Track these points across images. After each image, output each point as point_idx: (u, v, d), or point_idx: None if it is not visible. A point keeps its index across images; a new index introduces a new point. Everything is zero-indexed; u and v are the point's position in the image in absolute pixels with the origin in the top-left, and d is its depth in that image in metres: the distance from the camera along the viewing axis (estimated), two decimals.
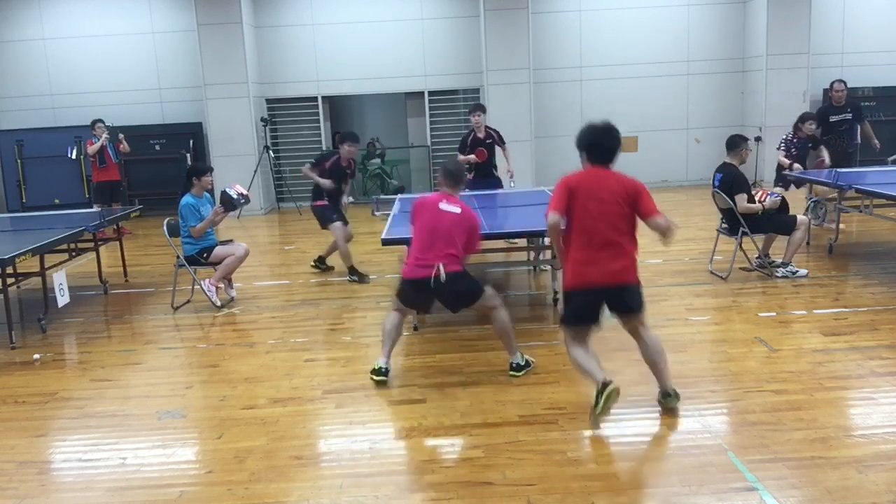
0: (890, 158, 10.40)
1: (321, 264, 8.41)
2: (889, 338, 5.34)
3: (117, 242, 8.46)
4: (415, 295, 4.98)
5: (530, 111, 12.92)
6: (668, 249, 8.50)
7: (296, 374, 5.19)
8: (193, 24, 12.74)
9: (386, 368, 4.93)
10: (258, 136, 13.08)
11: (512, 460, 3.80)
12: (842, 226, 9.03)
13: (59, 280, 6.45)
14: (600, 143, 4.22)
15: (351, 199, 8.93)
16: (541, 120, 13.39)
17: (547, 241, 6.92)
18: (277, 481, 3.72)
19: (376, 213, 8.16)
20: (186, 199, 6.93)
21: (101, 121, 11.15)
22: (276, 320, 6.60)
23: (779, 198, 7.09)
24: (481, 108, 8.95)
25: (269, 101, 13.71)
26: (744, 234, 7.01)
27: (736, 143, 7.08)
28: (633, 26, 13.61)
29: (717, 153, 8.03)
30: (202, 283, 7.02)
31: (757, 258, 7.31)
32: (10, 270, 6.23)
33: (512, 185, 9.28)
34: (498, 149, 9.10)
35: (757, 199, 7.03)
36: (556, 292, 6.56)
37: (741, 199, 6.88)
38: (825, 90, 13.15)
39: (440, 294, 4.89)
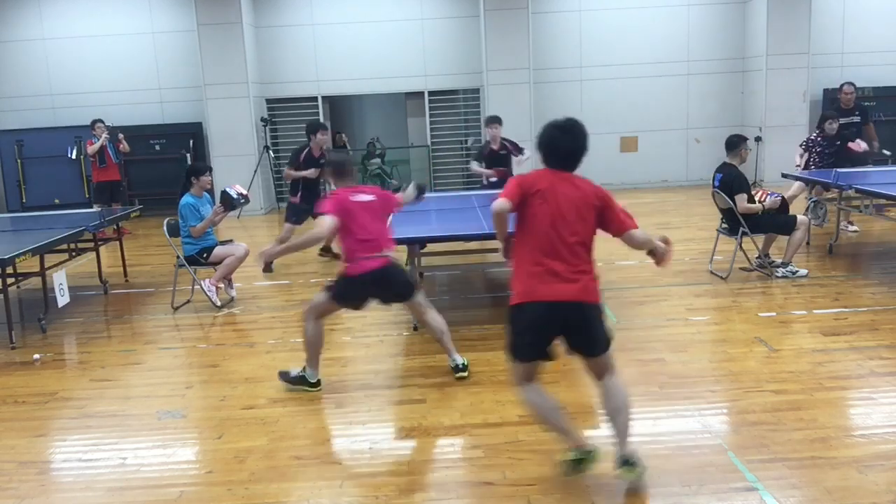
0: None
1: (327, 252, 8.61)
2: (889, 338, 5.34)
3: (117, 242, 8.46)
4: (361, 290, 4.74)
5: (530, 111, 12.91)
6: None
7: None
8: (193, 24, 12.74)
9: (319, 380, 4.83)
10: (258, 136, 13.08)
11: (512, 460, 3.80)
12: (854, 227, 9.02)
13: (59, 280, 6.45)
14: (557, 144, 3.60)
15: (396, 183, 9.00)
16: (541, 120, 13.20)
17: None
18: (277, 481, 3.72)
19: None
20: (186, 198, 6.93)
21: (101, 121, 11.15)
22: (276, 320, 6.60)
23: (779, 197, 7.09)
24: (497, 121, 8.93)
25: (269, 101, 13.71)
26: (744, 234, 7.01)
27: (735, 144, 7.08)
28: (633, 26, 13.61)
29: (717, 153, 8.03)
30: (202, 283, 7.02)
31: (757, 258, 7.30)
32: (10, 270, 6.23)
33: None
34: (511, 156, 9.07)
35: (757, 199, 7.03)
36: None
37: (741, 200, 6.88)
38: (825, 90, 13.24)
39: (385, 286, 4.76)
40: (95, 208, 9.71)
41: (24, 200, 13.25)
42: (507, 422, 4.25)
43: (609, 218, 3.52)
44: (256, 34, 13.39)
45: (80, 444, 4.28)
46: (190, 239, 6.94)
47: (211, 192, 7.42)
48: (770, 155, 12.91)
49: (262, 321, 6.60)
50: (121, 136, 11.30)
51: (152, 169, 13.21)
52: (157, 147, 13.35)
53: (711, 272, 7.35)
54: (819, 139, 9.10)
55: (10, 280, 6.37)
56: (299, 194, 8.38)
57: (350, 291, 4.73)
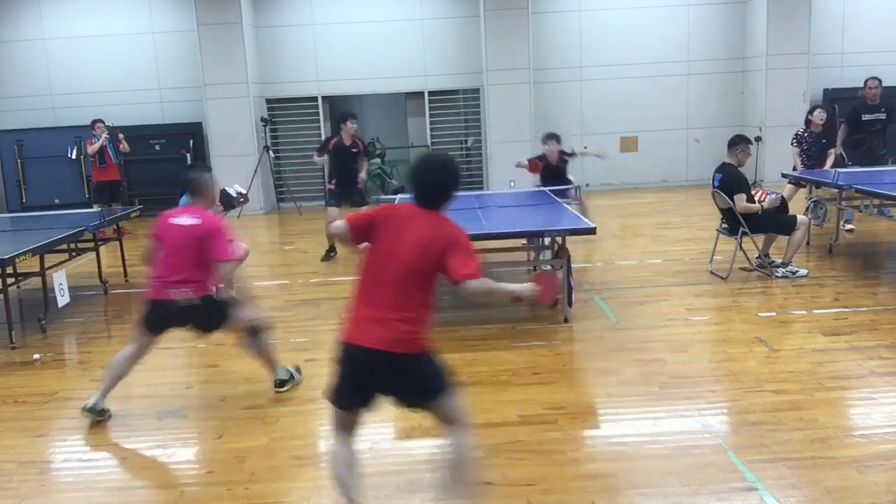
0: None
1: (332, 251, 8.81)
2: (889, 338, 5.34)
3: (117, 242, 8.45)
4: (159, 318, 4.49)
5: (530, 111, 12.91)
6: (668, 249, 8.56)
7: None
8: (193, 24, 12.74)
9: (103, 409, 4.49)
10: (258, 136, 13.08)
11: (512, 460, 3.80)
12: (850, 226, 9.02)
13: (59, 280, 6.45)
14: (411, 178, 3.21)
15: (364, 177, 9.23)
16: (541, 120, 13.37)
17: (547, 240, 6.94)
18: (277, 481, 3.72)
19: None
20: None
21: (101, 121, 11.15)
22: (276, 320, 6.59)
23: (778, 196, 7.09)
24: (555, 138, 9.12)
25: (269, 101, 13.71)
26: (744, 234, 7.01)
27: (735, 143, 7.08)
28: (633, 26, 13.61)
29: (717, 153, 8.04)
30: None
31: (757, 258, 7.30)
32: (10, 270, 6.22)
33: (511, 185, 9.30)
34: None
35: (757, 199, 7.03)
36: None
37: (739, 199, 6.88)
38: (825, 90, 13.25)
39: (180, 321, 4.50)
40: (95, 208, 9.70)
41: (24, 200, 13.24)
42: (507, 422, 4.25)
43: (449, 261, 3.03)
44: (256, 34, 13.38)
45: (80, 444, 4.28)
46: None
47: None
48: (770, 155, 12.90)
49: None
50: (121, 136, 11.30)
51: (152, 169, 13.20)
52: (157, 147, 13.34)
53: (711, 272, 7.35)
54: (805, 135, 9.09)
55: (10, 280, 6.37)
56: (334, 181, 8.74)
57: (145, 315, 4.52)
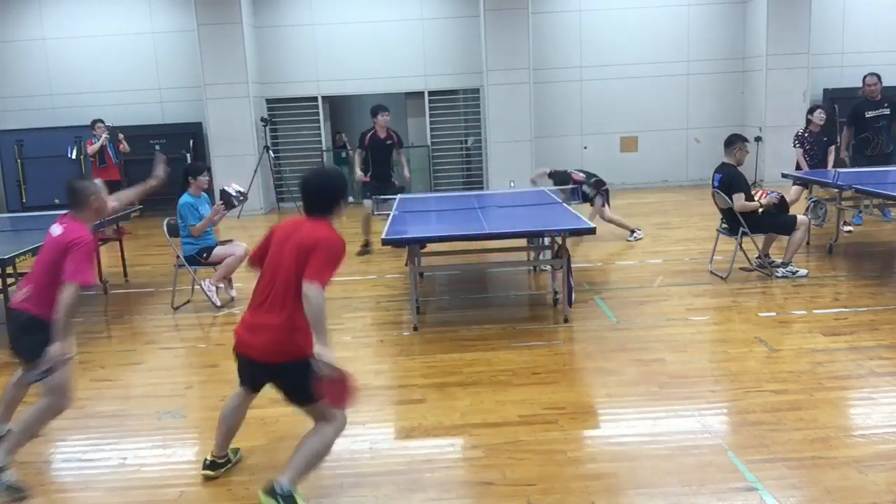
0: None
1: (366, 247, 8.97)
2: (889, 338, 5.34)
3: (117, 242, 8.46)
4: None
5: (530, 111, 12.91)
6: (668, 249, 8.56)
7: None
8: (193, 24, 12.74)
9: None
10: (258, 136, 13.08)
11: (512, 460, 3.80)
12: (849, 227, 9.02)
13: None
14: (301, 190, 3.51)
15: (407, 174, 9.46)
16: (541, 120, 13.39)
17: (546, 241, 6.94)
18: None
19: (376, 213, 8.19)
20: (184, 198, 6.92)
21: (101, 121, 11.15)
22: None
23: (777, 195, 7.08)
24: (555, 177, 9.11)
25: (269, 101, 13.71)
26: (744, 234, 7.01)
27: (732, 142, 7.08)
28: (633, 26, 13.61)
29: (717, 153, 8.02)
30: (202, 283, 7.02)
31: (757, 258, 7.30)
32: (10, 270, 6.22)
33: (511, 185, 9.29)
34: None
35: (756, 198, 7.02)
36: (555, 292, 6.56)
37: (738, 198, 6.87)
38: (825, 90, 13.25)
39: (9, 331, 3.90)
40: None
41: (24, 200, 13.24)
42: (507, 422, 4.25)
43: (307, 264, 3.22)
44: (256, 34, 13.38)
45: (80, 444, 4.28)
46: (189, 239, 6.93)
47: (209, 192, 7.40)
48: (770, 155, 12.91)
49: None
50: (121, 136, 11.31)
51: (152, 169, 13.16)
52: (157, 147, 13.31)
53: (711, 272, 7.35)
54: (806, 135, 9.10)
55: (10, 280, 6.37)
56: (370, 174, 8.93)
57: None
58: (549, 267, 7.09)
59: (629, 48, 13.62)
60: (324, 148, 14.01)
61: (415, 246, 6.47)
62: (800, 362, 4.96)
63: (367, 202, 8.69)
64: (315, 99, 13.79)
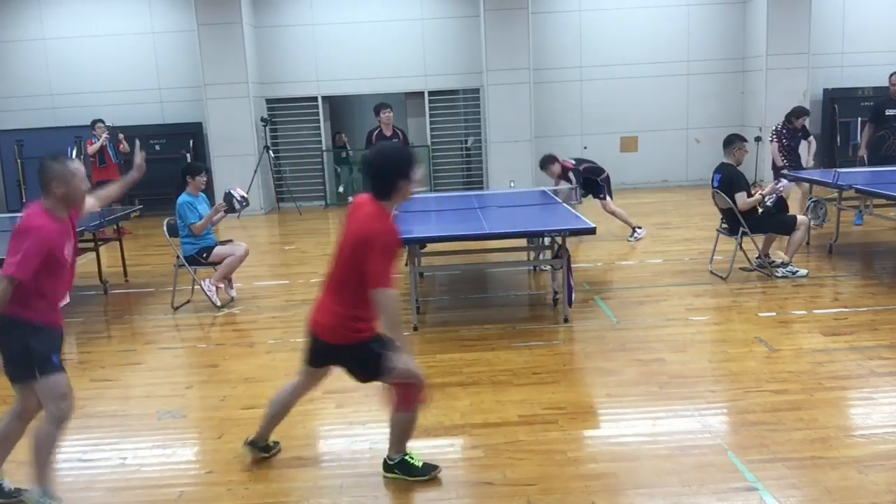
0: None
1: None
2: (889, 338, 5.34)
3: (117, 242, 8.46)
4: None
5: (530, 111, 12.91)
6: (668, 249, 8.56)
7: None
8: (193, 24, 12.74)
9: None
10: (258, 136, 13.08)
11: (512, 460, 3.80)
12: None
13: None
14: (365, 164, 3.47)
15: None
16: (541, 120, 13.39)
17: (547, 241, 6.94)
18: (277, 481, 3.72)
19: None
20: (183, 197, 6.93)
21: (101, 121, 11.16)
22: (276, 320, 6.60)
23: (779, 184, 7.09)
24: (550, 159, 8.91)
25: (269, 101, 13.71)
26: (744, 234, 7.01)
27: (730, 142, 7.08)
28: (633, 26, 13.61)
29: (716, 153, 8.02)
30: (202, 283, 7.02)
31: (757, 258, 7.30)
32: None
33: (511, 185, 9.28)
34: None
35: (757, 194, 7.02)
36: (555, 292, 6.56)
37: (741, 197, 6.87)
38: (825, 90, 13.26)
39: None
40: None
41: (24, 200, 13.22)
42: (507, 422, 4.25)
43: (365, 265, 3.22)
44: (256, 34, 13.38)
45: (80, 444, 4.28)
46: (189, 239, 6.93)
47: (208, 192, 7.40)
48: (770, 155, 12.87)
49: (262, 321, 6.60)
50: (121, 136, 11.31)
51: (152, 169, 12.95)
52: (157, 147, 13.33)
53: (711, 272, 7.35)
54: (784, 131, 9.12)
55: None
56: None
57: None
58: (549, 267, 7.09)
59: (629, 48, 13.62)
60: (324, 148, 14.01)
61: (415, 246, 6.47)
62: (800, 362, 4.96)
63: None
64: (315, 99, 13.79)
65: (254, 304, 7.10)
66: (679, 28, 13.67)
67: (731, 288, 6.86)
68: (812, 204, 8.36)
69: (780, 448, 3.78)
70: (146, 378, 5.40)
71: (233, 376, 5.24)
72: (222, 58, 12.65)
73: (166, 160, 13.06)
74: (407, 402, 3.46)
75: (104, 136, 10.95)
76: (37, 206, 3.42)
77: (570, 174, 8.81)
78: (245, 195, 7.19)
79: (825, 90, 13.29)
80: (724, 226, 7.38)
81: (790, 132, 9.13)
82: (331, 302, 3.41)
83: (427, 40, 13.63)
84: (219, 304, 6.95)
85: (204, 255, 6.96)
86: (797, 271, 7.07)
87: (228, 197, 6.98)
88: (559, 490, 3.49)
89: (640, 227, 9.16)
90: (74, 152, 12.96)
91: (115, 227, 8.48)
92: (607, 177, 9.12)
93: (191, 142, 13.32)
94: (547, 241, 6.93)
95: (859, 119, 12.82)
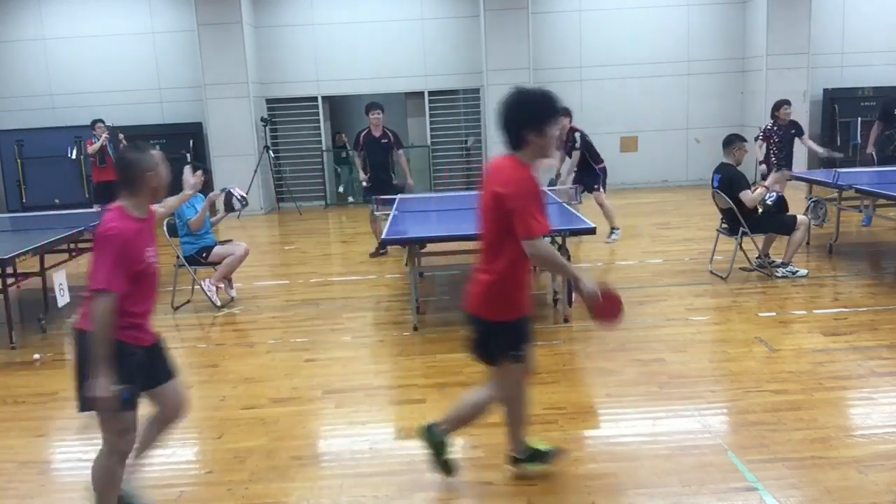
0: None
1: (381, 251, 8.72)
2: (889, 338, 5.34)
3: None
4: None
5: None
6: (668, 249, 8.56)
7: (296, 374, 5.19)
8: (193, 24, 12.74)
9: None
10: (258, 136, 13.08)
11: None
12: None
13: (59, 280, 6.45)
14: (499, 114, 3.12)
15: (410, 181, 9.09)
16: None
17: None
18: (277, 481, 3.72)
19: (376, 213, 8.18)
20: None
21: (101, 121, 11.16)
22: (276, 320, 6.60)
23: (779, 173, 7.10)
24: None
25: (269, 101, 13.71)
26: (744, 234, 7.01)
27: (730, 142, 7.07)
28: (633, 26, 13.61)
29: (717, 153, 8.02)
30: (202, 283, 7.02)
31: (757, 258, 7.30)
32: (10, 270, 6.23)
33: None
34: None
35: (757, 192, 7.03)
36: (555, 292, 6.56)
37: (745, 195, 6.86)
38: (825, 90, 13.26)
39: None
40: (95, 208, 9.71)
41: (24, 200, 13.24)
42: None
43: (512, 219, 3.01)
44: (256, 34, 13.39)
45: (80, 444, 4.27)
46: (189, 238, 6.93)
47: (206, 193, 7.37)
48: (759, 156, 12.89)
49: (262, 321, 6.60)
50: (121, 136, 11.31)
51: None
52: (157, 147, 13.23)
53: (711, 272, 7.35)
54: (775, 128, 9.12)
55: (10, 280, 6.37)
56: (370, 175, 8.72)
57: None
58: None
59: (629, 48, 13.62)
60: (324, 148, 14.01)
61: (415, 246, 6.47)
62: (800, 362, 4.96)
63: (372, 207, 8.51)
64: (315, 99, 13.79)
65: (254, 304, 7.10)
66: (679, 28, 13.67)
67: (731, 288, 6.86)
68: (812, 204, 8.36)
69: (780, 448, 3.78)
70: None
71: (233, 376, 5.24)
72: (222, 58, 12.65)
73: (166, 160, 13.05)
74: (608, 318, 3.28)
75: (104, 136, 10.95)
76: (114, 209, 3.16)
77: (577, 135, 8.89)
78: (244, 195, 7.19)
79: (825, 90, 13.29)
80: (724, 226, 7.38)
81: (781, 128, 9.13)
82: (482, 273, 3.23)
83: (427, 40, 13.63)
84: (219, 304, 6.95)
85: (203, 255, 6.96)
86: (797, 271, 7.07)
87: (228, 196, 6.98)
88: (559, 490, 3.49)
89: (618, 228, 9.13)
90: (74, 152, 13.02)
91: None
92: (604, 168, 9.14)
93: (191, 142, 13.32)
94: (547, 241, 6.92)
95: (859, 119, 12.85)
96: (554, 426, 4.16)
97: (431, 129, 13.93)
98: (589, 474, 3.64)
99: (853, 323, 5.71)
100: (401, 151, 9.00)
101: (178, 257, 6.99)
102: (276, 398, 4.78)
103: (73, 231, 6.91)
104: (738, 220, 6.97)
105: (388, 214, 7.26)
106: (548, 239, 3.70)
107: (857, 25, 13.57)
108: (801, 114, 12.96)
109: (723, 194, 7.01)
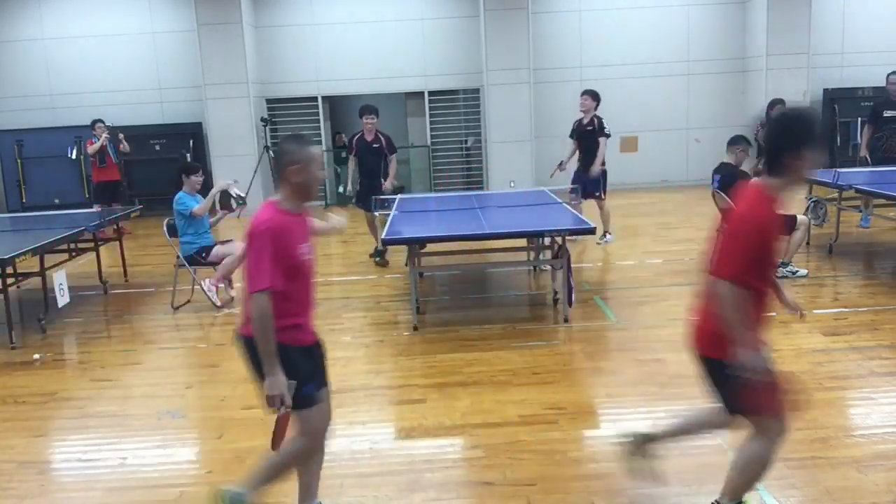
0: None
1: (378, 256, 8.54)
2: (889, 338, 5.34)
3: (117, 242, 8.45)
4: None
5: (530, 111, 12.91)
6: (668, 249, 8.56)
7: None
8: (193, 24, 12.74)
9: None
10: (258, 136, 13.07)
11: (512, 460, 3.80)
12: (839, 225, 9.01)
13: (59, 280, 6.45)
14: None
15: (395, 183, 8.80)
16: (541, 120, 13.38)
17: (547, 241, 6.93)
18: (277, 481, 3.71)
19: (376, 213, 8.18)
20: (181, 194, 6.95)
21: (101, 121, 11.15)
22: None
23: None
24: (591, 94, 9.10)
25: (269, 101, 13.71)
26: None
27: (736, 142, 7.07)
28: (633, 26, 13.61)
29: (717, 153, 8.05)
30: (202, 282, 7.02)
31: None
32: (10, 270, 6.22)
33: (512, 185, 9.27)
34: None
35: None
36: (555, 292, 6.56)
37: None
38: (825, 90, 13.25)
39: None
40: (95, 208, 9.71)
41: (24, 200, 13.24)
42: (507, 422, 4.24)
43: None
44: (256, 34, 13.38)
45: (80, 444, 4.28)
46: (188, 238, 6.93)
47: (204, 193, 7.37)
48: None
49: None
50: (121, 136, 11.31)
51: (152, 169, 13.19)
52: (157, 147, 13.34)
53: None
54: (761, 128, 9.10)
55: (10, 280, 6.37)
56: (359, 181, 8.54)
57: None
58: (549, 267, 7.09)
59: (629, 48, 13.61)
60: (324, 148, 14.00)
61: (415, 246, 6.47)
62: (800, 362, 4.96)
63: (367, 213, 8.39)
64: (315, 99, 13.79)
65: None
66: (679, 28, 13.67)
67: None
68: (812, 204, 8.35)
69: (780, 448, 3.77)
70: (146, 378, 5.39)
71: (233, 376, 5.24)
72: (222, 58, 12.65)
73: (166, 160, 13.07)
74: (766, 409, 2.89)
75: (104, 136, 10.94)
76: (265, 204, 3.08)
77: (604, 122, 9.07)
78: (242, 195, 7.20)
79: (825, 90, 13.29)
80: (725, 226, 7.36)
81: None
82: (702, 301, 2.96)
83: (427, 40, 13.63)
84: (219, 303, 6.95)
85: (203, 255, 6.96)
86: (797, 271, 7.07)
87: (225, 195, 7.00)
88: (559, 490, 3.49)
89: (611, 234, 9.13)
90: (74, 152, 13.02)
91: (115, 227, 8.48)
92: (605, 171, 9.13)
93: (191, 142, 13.32)
94: (547, 241, 6.93)
95: (859, 119, 12.82)
96: (554, 426, 4.16)
97: (431, 129, 13.93)
98: (589, 474, 3.64)
99: (853, 323, 5.71)
100: (392, 156, 8.66)
101: (178, 257, 7.00)
102: None
103: (73, 231, 6.92)
104: None
105: (387, 215, 7.26)
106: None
107: (857, 25, 13.57)
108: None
109: (722, 194, 7.01)
